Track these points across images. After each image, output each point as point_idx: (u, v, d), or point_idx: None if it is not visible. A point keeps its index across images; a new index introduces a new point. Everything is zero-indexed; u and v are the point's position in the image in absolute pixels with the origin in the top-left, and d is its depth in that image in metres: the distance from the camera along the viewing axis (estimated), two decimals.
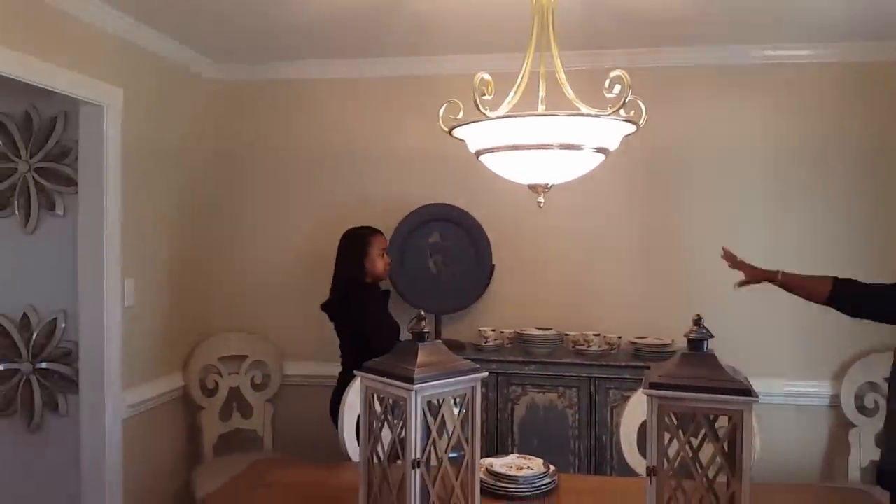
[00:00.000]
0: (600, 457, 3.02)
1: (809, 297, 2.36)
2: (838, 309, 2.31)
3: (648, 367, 1.75)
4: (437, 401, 1.70)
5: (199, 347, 3.49)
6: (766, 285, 2.50)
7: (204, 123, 3.61)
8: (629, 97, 1.51)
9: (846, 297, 2.27)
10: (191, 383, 3.41)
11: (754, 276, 2.47)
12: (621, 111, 1.67)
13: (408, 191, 3.50)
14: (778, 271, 2.42)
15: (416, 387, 1.59)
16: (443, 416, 1.71)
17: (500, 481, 2.03)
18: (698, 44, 3.25)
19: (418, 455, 1.61)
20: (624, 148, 3.30)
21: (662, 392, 1.55)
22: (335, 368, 2.89)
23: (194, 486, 3.14)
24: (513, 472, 2.06)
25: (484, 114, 1.52)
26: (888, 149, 3.22)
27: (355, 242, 2.93)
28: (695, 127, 3.36)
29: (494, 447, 3.07)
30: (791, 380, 3.27)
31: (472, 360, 3.07)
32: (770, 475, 3.13)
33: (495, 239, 3.43)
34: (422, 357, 1.67)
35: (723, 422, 1.55)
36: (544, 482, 2.03)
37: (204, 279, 3.62)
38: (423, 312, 1.77)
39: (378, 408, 1.75)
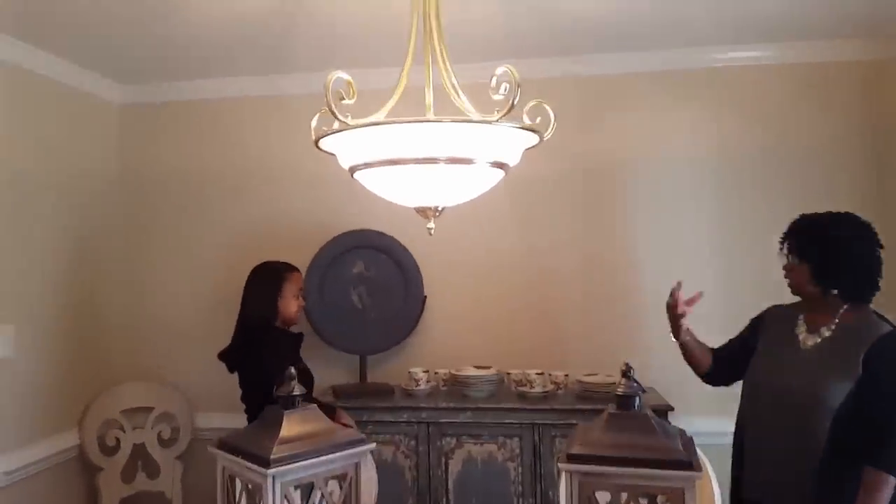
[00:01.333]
0: None
1: (695, 368, 2.29)
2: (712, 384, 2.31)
3: (599, 411, 1.42)
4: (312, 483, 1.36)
5: (97, 400, 3.09)
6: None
7: (101, 149, 3.27)
8: (518, 98, 1.19)
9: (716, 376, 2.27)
10: (87, 441, 3.00)
11: (675, 318, 2.23)
12: (525, 118, 1.37)
13: (328, 216, 3.17)
14: (687, 331, 2.25)
15: (272, 471, 1.24)
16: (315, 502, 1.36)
17: None
18: (634, 49, 2.99)
19: None
20: (564, 164, 3.09)
21: (583, 467, 1.22)
22: None
23: None
24: None
25: (343, 121, 1.19)
26: (842, 153, 2.98)
27: (269, 280, 2.57)
28: (636, 138, 3.10)
29: None
30: None
31: (402, 407, 2.77)
32: None
33: (427, 268, 3.10)
34: (286, 429, 1.33)
35: None
36: None
37: (102, 323, 3.23)
38: (293, 370, 1.43)
39: (239, 492, 1.39)
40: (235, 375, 2.58)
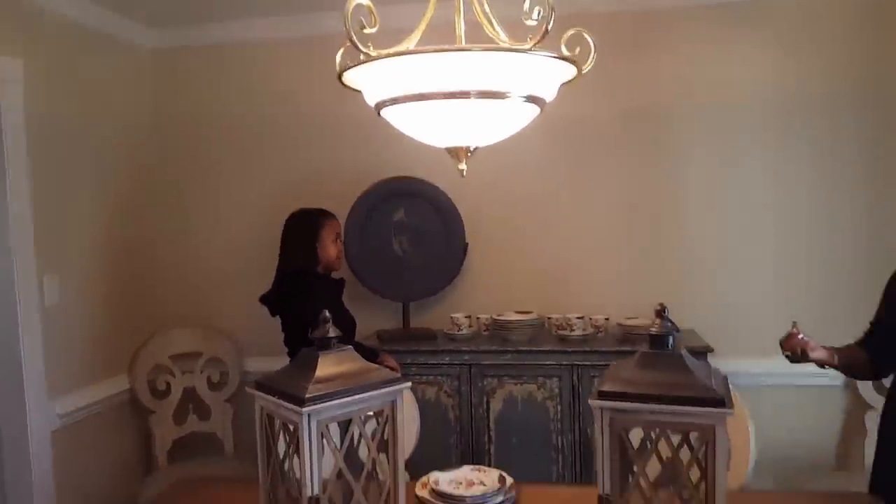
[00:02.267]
0: (586, 453, 2.70)
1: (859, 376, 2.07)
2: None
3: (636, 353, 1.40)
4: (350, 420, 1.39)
5: (146, 346, 3.20)
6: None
7: (139, 96, 3.29)
8: (552, 21, 1.14)
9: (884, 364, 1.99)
10: (138, 385, 3.12)
11: (817, 358, 1.98)
12: (563, 49, 1.31)
13: (369, 163, 3.15)
14: (832, 353, 1.97)
15: (307, 409, 1.27)
16: (353, 438, 1.40)
17: (444, 501, 1.70)
18: None
19: (316, 490, 1.29)
20: (608, 104, 2.99)
21: (614, 403, 1.21)
22: None
23: (142, 497, 2.87)
24: (461, 491, 1.73)
25: (365, 52, 1.17)
26: None
27: (306, 226, 2.60)
28: (685, 76, 2.98)
29: (469, 447, 2.77)
30: None
31: (444, 350, 2.81)
32: (784, 463, 2.84)
33: (468, 215, 3.09)
34: (322, 369, 1.36)
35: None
36: (496, 500, 1.71)
37: (149, 269, 3.32)
38: (327, 312, 1.45)
39: (277, 430, 1.44)
40: (278, 320, 2.64)
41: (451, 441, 2.81)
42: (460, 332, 2.90)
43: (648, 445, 1.25)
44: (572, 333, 2.79)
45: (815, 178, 2.90)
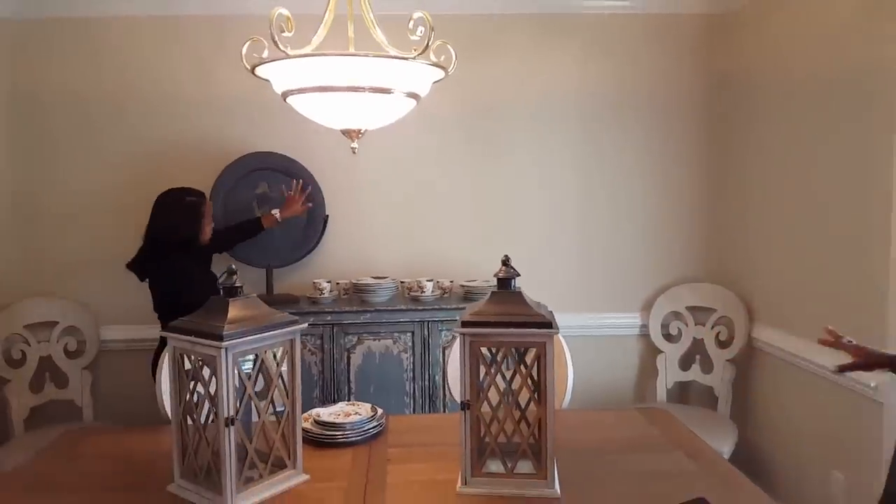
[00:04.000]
0: (434, 395, 3.13)
1: None
2: None
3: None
4: (254, 356, 1.66)
5: None
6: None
7: None
8: (433, 39, 1.50)
9: None
10: None
11: (868, 362, 1.69)
12: (431, 56, 1.67)
13: (229, 138, 3.31)
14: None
15: (225, 344, 1.53)
16: (260, 371, 1.68)
17: (326, 430, 2.03)
18: None
19: (231, 413, 1.56)
20: (450, 96, 3.41)
21: (472, 329, 1.61)
22: (156, 331, 2.72)
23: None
24: (340, 420, 2.06)
25: (284, 52, 1.45)
26: (689, 98, 3.50)
27: (189, 214, 2.70)
28: (513, 75, 3.44)
29: (332, 397, 3.08)
30: (608, 313, 3.57)
31: (308, 312, 3.08)
32: (592, 400, 3.44)
33: (328, 189, 3.36)
34: (233, 313, 1.62)
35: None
36: (371, 426, 2.06)
37: (1, 239, 3.24)
38: (233, 266, 1.71)
39: (189, 368, 1.67)
40: (141, 289, 2.75)
41: (314, 394, 3.10)
42: (323, 296, 3.18)
43: (497, 362, 1.67)
44: (423, 294, 3.19)
45: (609, 166, 3.51)
